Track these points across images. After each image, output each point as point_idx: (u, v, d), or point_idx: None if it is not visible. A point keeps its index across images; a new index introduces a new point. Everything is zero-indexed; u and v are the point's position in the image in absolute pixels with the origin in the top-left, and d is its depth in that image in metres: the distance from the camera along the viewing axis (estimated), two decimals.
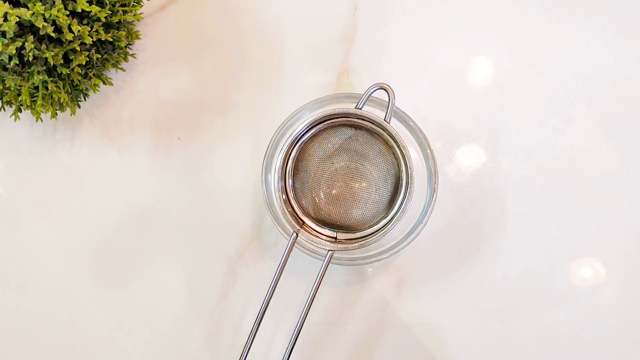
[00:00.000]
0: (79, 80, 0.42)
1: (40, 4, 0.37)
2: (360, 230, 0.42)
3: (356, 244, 0.41)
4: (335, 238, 0.42)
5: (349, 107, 0.40)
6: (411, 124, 0.43)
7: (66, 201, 0.46)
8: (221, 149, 0.47)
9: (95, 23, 0.40)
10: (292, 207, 0.42)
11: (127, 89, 0.47)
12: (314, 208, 0.43)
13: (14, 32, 0.37)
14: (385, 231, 0.41)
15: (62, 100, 0.42)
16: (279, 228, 0.42)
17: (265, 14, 0.49)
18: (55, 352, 0.44)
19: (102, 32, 0.41)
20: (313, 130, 0.42)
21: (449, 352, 0.44)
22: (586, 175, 0.46)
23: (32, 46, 0.38)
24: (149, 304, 0.45)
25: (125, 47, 0.45)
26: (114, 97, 0.47)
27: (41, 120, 0.44)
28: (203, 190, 0.46)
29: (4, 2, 0.37)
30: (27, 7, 0.37)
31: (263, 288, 0.42)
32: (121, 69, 0.46)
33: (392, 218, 0.41)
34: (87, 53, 0.41)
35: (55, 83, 0.41)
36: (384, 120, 0.40)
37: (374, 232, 0.41)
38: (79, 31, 0.39)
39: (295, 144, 0.42)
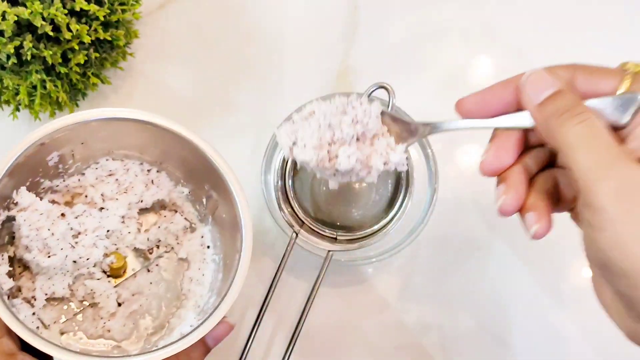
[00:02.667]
0: (77, 80, 0.42)
1: (38, 2, 0.37)
2: (361, 230, 0.42)
3: (356, 244, 0.41)
4: (336, 238, 0.41)
5: None
6: None
7: None
8: (220, 149, 0.46)
9: (94, 22, 0.40)
10: (292, 207, 0.42)
11: (125, 88, 0.47)
12: (314, 208, 0.43)
13: (12, 31, 0.37)
14: (385, 231, 0.41)
15: (60, 100, 0.42)
16: (279, 228, 0.42)
17: (265, 13, 0.48)
18: None
19: (100, 31, 0.41)
20: None
21: (449, 352, 0.44)
22: None
23: (31, 45, 0.38)
24: None
25: (124, 46, 0.45)
26: (113, 97, 0.47)
27: (39, 119, 0.43)
28: None
29: (2, 1, 0.36)
30: (26, 6, 0.37)
31: (263, 288, 0.42)
32: (120, 68, 0.46)
33: (392, 218, 0.41)
34: (85, 52, 0.41)
35: (54, 82, 0.41)
36: None
37: (374, 232, 0.41)
38: (77, 30, 0.39)
39: None
